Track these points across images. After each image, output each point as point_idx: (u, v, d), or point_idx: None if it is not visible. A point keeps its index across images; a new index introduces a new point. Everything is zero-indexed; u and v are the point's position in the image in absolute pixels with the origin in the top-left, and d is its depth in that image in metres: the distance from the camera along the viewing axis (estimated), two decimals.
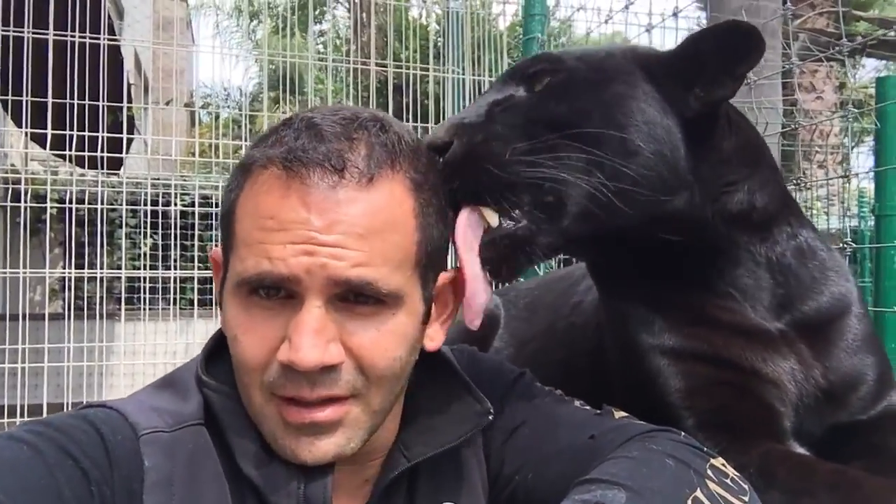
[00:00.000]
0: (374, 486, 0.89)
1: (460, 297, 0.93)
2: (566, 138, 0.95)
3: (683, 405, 1.06)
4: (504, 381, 1.01)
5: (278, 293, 0.77)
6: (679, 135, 1.01)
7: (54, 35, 3.15)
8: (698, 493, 0.77)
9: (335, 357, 0.77)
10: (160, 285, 4.14)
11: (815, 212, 5.60)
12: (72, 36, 3.21)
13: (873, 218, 2.89)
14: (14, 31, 3.12)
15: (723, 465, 0.84)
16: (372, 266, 0.77)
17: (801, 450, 1.06)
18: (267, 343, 0.77)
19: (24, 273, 3.24)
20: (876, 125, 2.58)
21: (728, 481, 0.82)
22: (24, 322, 3.18)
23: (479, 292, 0.90)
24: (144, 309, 3.74)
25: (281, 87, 4.54)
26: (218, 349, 0.89)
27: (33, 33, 3.16)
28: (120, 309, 4.43)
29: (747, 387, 1.05)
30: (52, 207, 4.13)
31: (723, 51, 0.99)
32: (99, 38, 3.33)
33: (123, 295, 3.85)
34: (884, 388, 1.12)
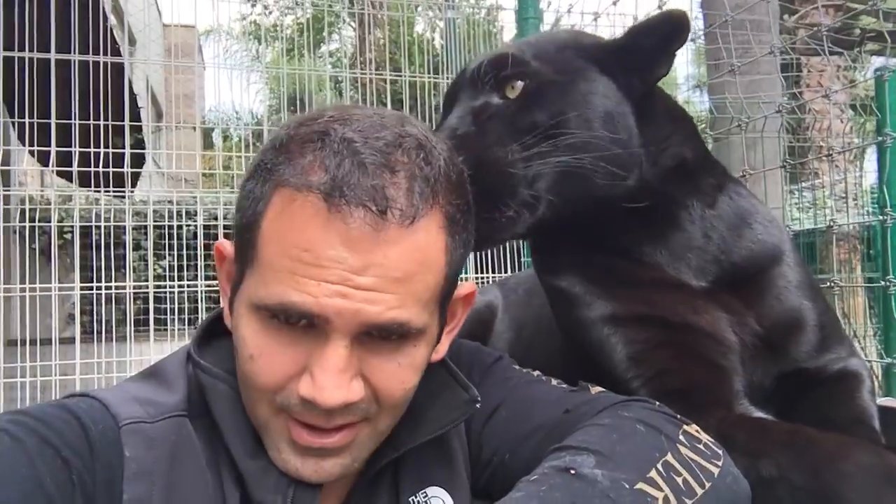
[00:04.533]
0: (359, 476, 0.89)
1: (468, 309, 0.95)
2: (548, 139, 1.06)
3: (629, 376, 1.10)
4: (482, 366, 1.01)
5: (299, 321, 0.75)
6: (632, 117, 1.12)
7: (56, 56, 3.19)
8: (669, 458, 0.77)
9: (357, 394, 0.76)
10: (167, 305, 4.15)
11: (827, 211, 5.56)
12: (74, 56, 3.26)
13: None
14: (17, 54, 3.17)
15: (696, 431, 0.85)
16: (405, 308, 0.76)
17: (752, 407, 1.08)
18: (285, 369, 0.77)
19: (25, 293, 3.29)
20: (877, 115, 2.56)
21: (701, 446, 0.82)
22: (31, 345, 3.23)
23: None
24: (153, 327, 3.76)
25: (283, 106, 4.57)
26: (210, 333, 0.89)
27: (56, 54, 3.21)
28: (128, 327, 4.44)
29: (687, 344, 1.08)
30: (65, 232, 4.18)
31: (659, 37, 1.13)
32: (100, 58, 3.38)
33: (130, 315, 3.87)
34: (828, 338, 1.15)
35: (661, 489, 0.74)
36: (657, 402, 0.89)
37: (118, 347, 3.96)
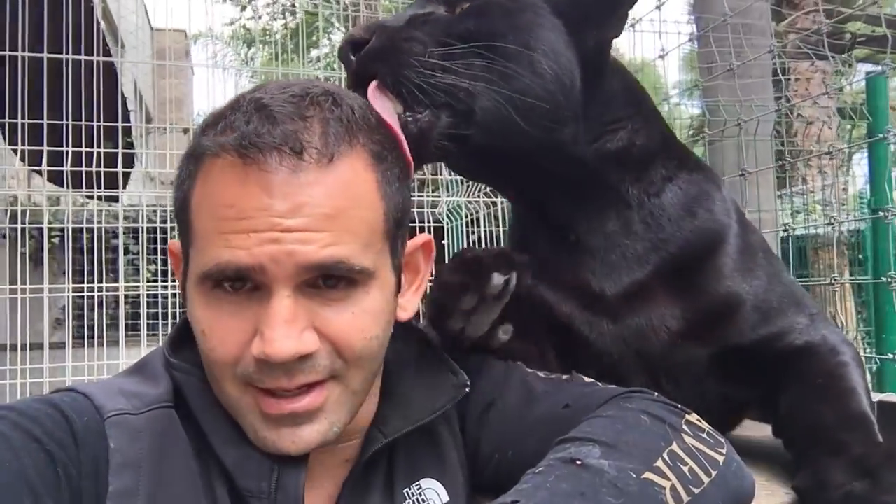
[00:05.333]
0: (351, 467, 0.89)
1: (430, 261, 0.94)
2: (480, 49, 1.02)
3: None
4: (475, 358, 1.01)
5: (244, 285, 0.75)
6: (577, 68, 1.09)
7: (49, 56, 3.18)
8: (674, 447, 0.77)
9: (310, 345, 0.75)
10: (160, 310, 4.13)
11: (815, 216, 5.60)
12: (68, 56, 3.25)
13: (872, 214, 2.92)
14: (10, 53, 3.15)
15: (698, 420, 0.85)
16: (342, 244, 0.75)
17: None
18: (237, 337, 0.76)
19: (16, 294, 3.26)
20: (868, 119, 2.59)
21: (704, 435, 0.82)
22: (21, 350, 3.21)
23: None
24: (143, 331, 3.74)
25: None
26: (185, 332, 0.88)
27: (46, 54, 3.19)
28: (120, 331, 4.42)
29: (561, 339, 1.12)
30: (53, 236, 4.15)
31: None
32: (93, 58, 3.37)
33: (123, 319, 3.84)
34: (770, 315, 1.15)
35: (667, 478, 0.74)
36: (656, 393, 0.89)
37: (108, 352, 3.93)
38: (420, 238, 0.93)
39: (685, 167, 1.22)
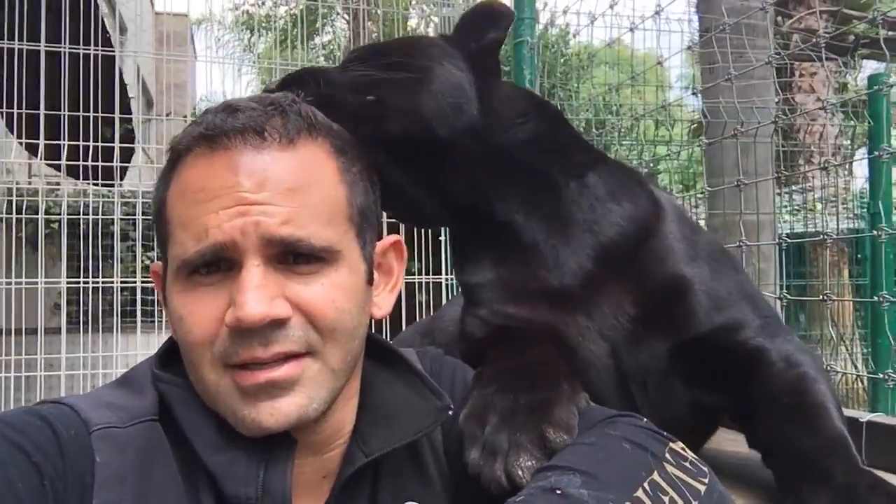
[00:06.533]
0: (334, 482, 0.88)
1: (403, 261, 0.97)
2: (370, 67, 1.13)
3: (465, 352, 1.18)
4: (466, 382, 1.01)
5: (218, 268, 0.78)
6: (464, 63, 1.21)
7: (46, 47, 3.16)
8: (655, 476, 0.77)
9: (281, 311, 0.77)
10: (154, 297, 4.13)
11: (816, 214, 5.59)
12: (64, 47, 3.24)
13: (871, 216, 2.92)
14: (7, 44, 3.13)
15: (682, 448, 0.84)
16: (302, 221, 0.79)
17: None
18: (212, 314, 0.78)
19: (18, 285, 3.26)
20: (869, 123, 2.58)
21: (687, 464, 0.82)
22: (16, 335, 3.19)
23: None
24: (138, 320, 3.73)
25: None
26: (172, 350, 0.88)
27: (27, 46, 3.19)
28: (113, 321, 4.41)
29: (539, 348, 1.09)
30: (52, 222, 4.13)
31: (485, 17, 1.27)
32: (91, 50, 3.35)
33: (118, 307, 3.83)
34: (721, 304, 1.16)
35: None
36: (644, 419, 0.89)
37: (104, 339, 3.93)
38: (389, 238, 0.96)
39: (603, 161, 1.27)
